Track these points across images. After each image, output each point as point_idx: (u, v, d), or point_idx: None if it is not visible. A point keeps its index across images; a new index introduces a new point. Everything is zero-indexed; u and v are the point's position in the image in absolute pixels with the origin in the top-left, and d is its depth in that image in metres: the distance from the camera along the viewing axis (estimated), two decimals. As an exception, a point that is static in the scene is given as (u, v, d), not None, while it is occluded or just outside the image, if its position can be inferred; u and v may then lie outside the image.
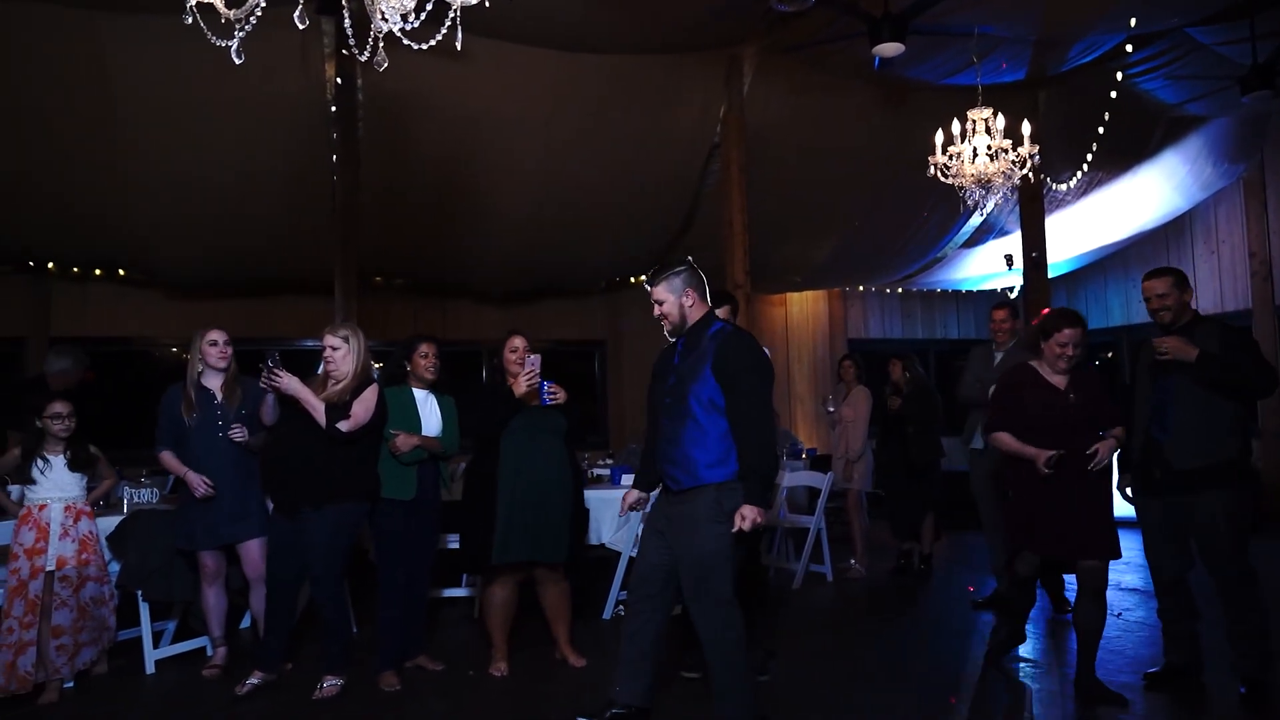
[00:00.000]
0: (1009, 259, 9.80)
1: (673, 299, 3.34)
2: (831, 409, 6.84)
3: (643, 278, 9.87)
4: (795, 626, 5.03)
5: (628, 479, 5.58)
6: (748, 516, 3.07)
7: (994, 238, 9.69)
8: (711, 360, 3.20)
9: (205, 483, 4.10)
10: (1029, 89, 7.72)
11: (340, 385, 3.97)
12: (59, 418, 4.13)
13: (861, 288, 11.20)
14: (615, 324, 10.15)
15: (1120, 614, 5.10)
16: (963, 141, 5.62)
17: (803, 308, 11.14)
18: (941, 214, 8.78)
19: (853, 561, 6.60)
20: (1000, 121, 5.57)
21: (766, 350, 4.24)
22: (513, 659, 4.31)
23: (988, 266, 10.45)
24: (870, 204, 8.66)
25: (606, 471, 5.84)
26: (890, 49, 5.70)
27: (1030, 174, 5.72)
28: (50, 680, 3.95)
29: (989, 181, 5.64)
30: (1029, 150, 5.51)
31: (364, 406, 3.91)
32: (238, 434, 4.17)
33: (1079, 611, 3.80)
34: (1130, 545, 4.04)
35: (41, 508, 4.06)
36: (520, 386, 4.04)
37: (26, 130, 6.28)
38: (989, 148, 5.60)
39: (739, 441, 3.15)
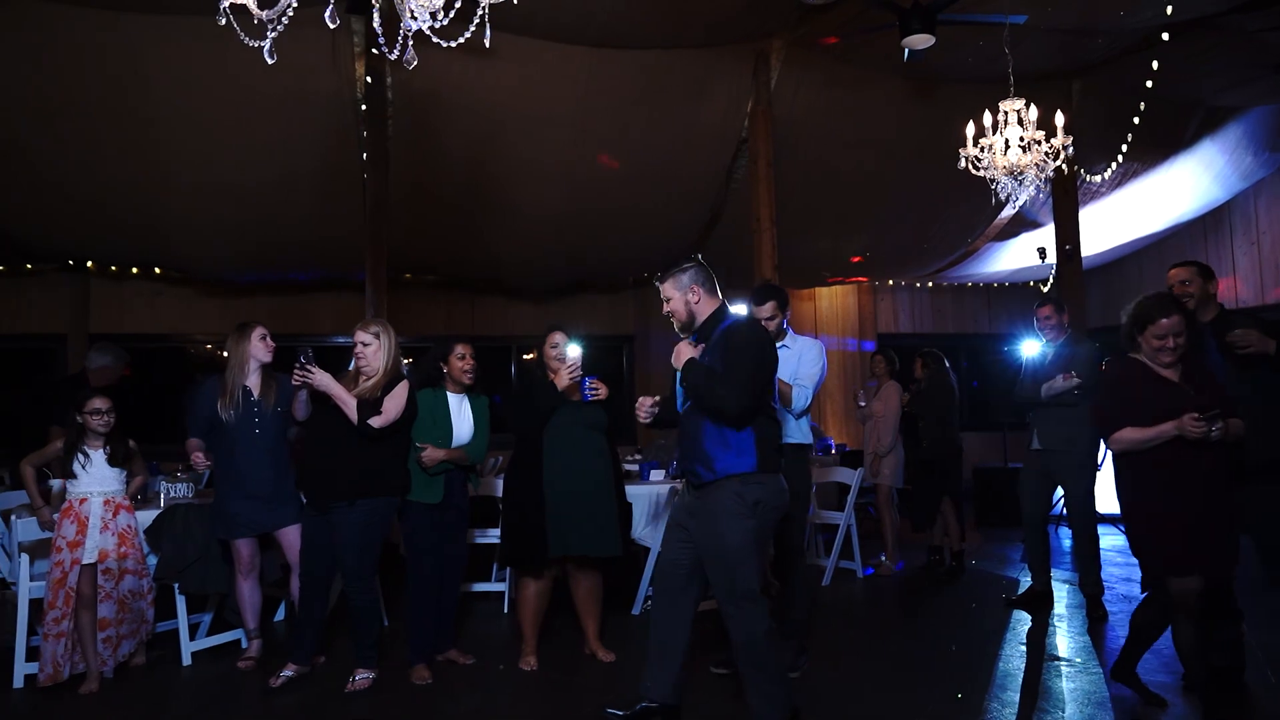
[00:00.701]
0: (1042, 252, 9.66)
1: (679, 295, 3.35)
2: (863, 404, 6.79)
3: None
4: (826, 623, 5.00)
5: (656, 474, 5.59)
6: (683, 354, 3.23)
7: (1026, 231, 9.56)
8: (722, 355, 3.20)
9: (203, 460, 4.19)
10: (1062, 79, 7.60)
11: (371, 381, 4.01)
12: (99, 413, 4.21)
13: (891, 282, 11.10)
14: (644, 318, 10.15)
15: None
16: (994, 133, 5.53)
17: (832, 302, 11.07)
18: (972, 207, 8.67)
19: (882, 557, 6.55)
20: (1033, 113, 5.48)
21: (819, 344, 4.23)
22: (542, 653, 4.33)
23: (1020, 260, 10.32)
24: (900, 198, 8.58)
25: (635, 467, 5.85)
26: (920, 41, 5.63)
27: (1064, 166, 5.62)
28: (91, 670, 4.03)
29: (1021, 174, 5.55)
30: (1062, 142, 5.42)
31: (395, 403, 3.95)
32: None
33: (1149, 611, 3.60)
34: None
35: (82, 501, 4.14)
36: (562, 381, 4.07)
37: (66, 132, 6.40)
38: (1021, 139, 5.51)
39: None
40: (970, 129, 5.55)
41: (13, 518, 4.34)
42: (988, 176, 5.56)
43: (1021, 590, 5.43)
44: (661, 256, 9.20)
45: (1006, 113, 5.52)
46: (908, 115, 7.66)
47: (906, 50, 5.77)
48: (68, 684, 4.00)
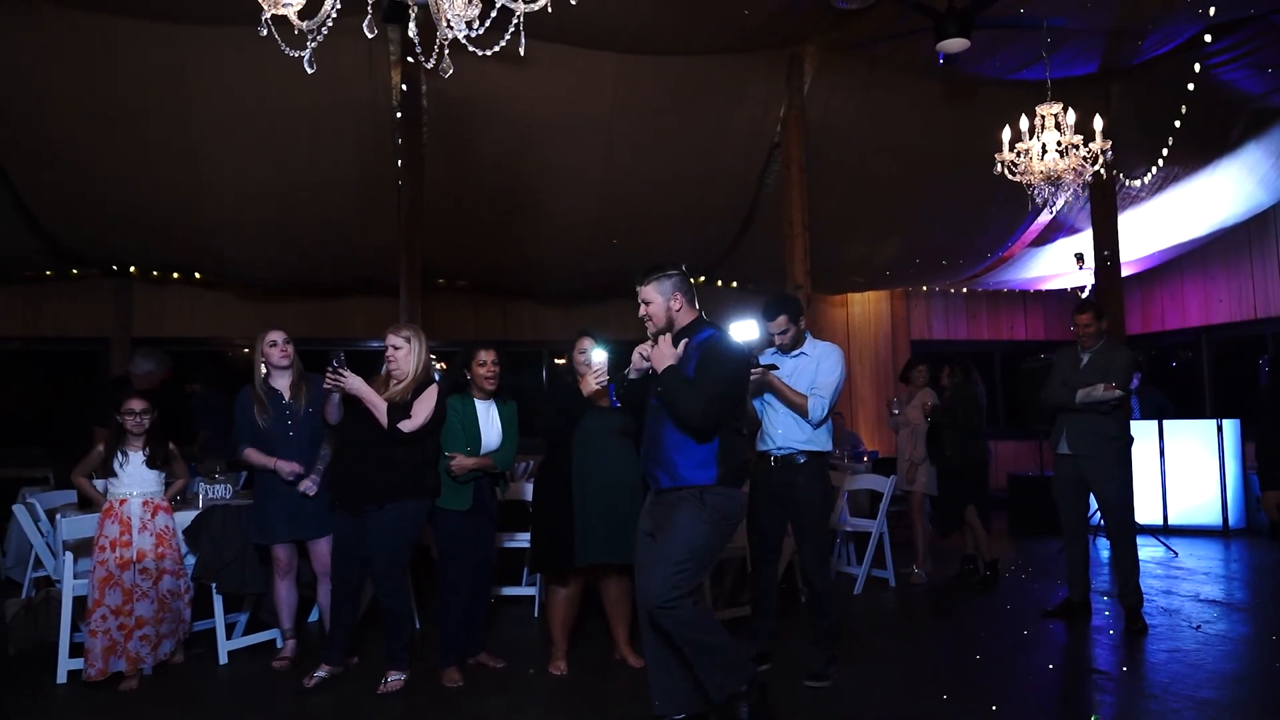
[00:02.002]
0: (1079, 258, 9.52)
1: (661, 300, 3.31)
2: (896, 411, 6.74)
3: (702, 278, 9.86)
4: (857, 632, 4.96)
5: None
6: (666, 356, 3.15)
7: (1063, 236, 9.42)
8: (694, 366, 3.18)
9: (294, 469, 4.24)
10: (1101, 82, 7.49)
11: (402, 385, 4.05)
12: (133, 414, 4.29)
13: (925, 288, 11.00)
14: (674, 325, 10.13)
15: (1199, 626, 4.92)
16: (1031, 138, 5.47)
17: (865, 308, 10.99)
18: (1008, 212, 8.57)
19: (915, 567, 6.49)
20: (1070, 116, 5.41)
21: (838, 350, 4.20)
22: (572, 658, 4.34)
23: (1057, 266, 10.17)
24: (934, 203, 8.51)
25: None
26: (956, 45, 5.59)
27: (1102, 170, 5.54)
28: (139, 669, 4.11)
29: (1059, 178, 5.49)
30: (1101, 146, 5.35)
31: (424, 406, 3.98)
32: (309, 487, 4.27)
33: None
34: (1210, 555, 3.89)
35: (122, 502, 4.23)
36: (588, 386, 4.07)
37: (111, 141, 6.55)
38: (1059, 144, 5.45)
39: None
40: (1007, 133, 5.50)
41: (58, 517, 4.44)
42: (1024, 181, 5.50)
43: (1058, 601, 5.33)
44: (693, 262, 9.20)
45: (1044, 117, 5.47)
46: (942, 120, 7.60)
47: (941, 54, 5.73)
48: (109, 680, 4.08)
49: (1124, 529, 5.01)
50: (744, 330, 8.66)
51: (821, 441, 4.11)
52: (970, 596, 5.96)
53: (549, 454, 4.26)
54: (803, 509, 4.08)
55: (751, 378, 3.98)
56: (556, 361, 9.84)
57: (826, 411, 4.06)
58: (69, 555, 4.26)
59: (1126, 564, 4.98)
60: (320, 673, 4.08)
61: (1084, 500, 5.27)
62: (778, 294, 4.34)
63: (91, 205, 7.18)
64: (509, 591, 5.66)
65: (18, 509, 4.76)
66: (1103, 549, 7.45)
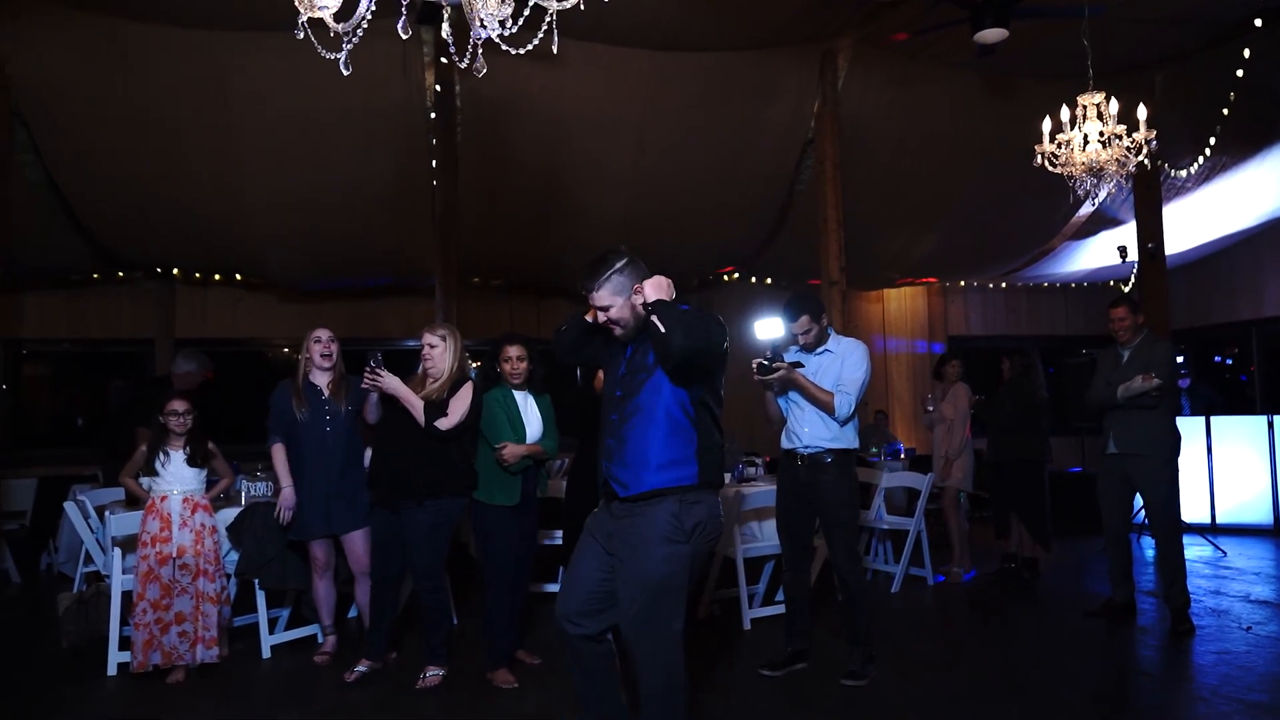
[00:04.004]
0: (1123, 250, 9.32)
1: (621, 301, 2.75)
2: (931, 408, 6.66)
3: (735, 275, 9.82)
4: (894, 631, 4.91)
5: (722, 478, 5.55)
6: (662, 286, 2.69)
7: (1106, 228, 9.24)
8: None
9: (289, 507, 4.30)
10: (1145, 71, 7.33)
11: (438, 383, 4.08)
12: (176, 415, 4.38)
13: (963, 283, 10.85)
14: (709, 322, 10.11)
15: (1250, 628, 4.80)
16: (1072, 128, 5.36)
17: (901, 304, 10.87)
18: (1048, 205, 8.43)
19: (952, 566, 6.41)
20: (1113, 106, 5.29)
21: (863, 346, 4.15)
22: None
23: (1099, 259, 9.98)
24: (971, 197, 8.39)
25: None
26: (993, 35, 5.50)
27: (1146, 161, 5.42)
28: (176, 663, 4.20)
29: (1101, 170, 5.37)
30: (1145, 136, 5.23)
31: (460, 404, 4.01)
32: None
33: None
34: (1260, 554, 3.80)
35: (163, 499, 4.32)
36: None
37: (152, 145, 6.69)
38: (1101, 134, 5.33)
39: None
40: (1047, 124, 5.40)
41: (106, 513, 4.55)
42: (1065, 173, 5.39)
43: (1101, 601, 5.23)
44: (726, 258, 9.17)
45: (1085, 107, 5.35)
46: (980, 112, 7.49)
47: (979, 45, 5.64)
48: (157, 672, 4.17)
49: (1170, 528, 4.90)
50: (772, 328, 8.61)
51: (848, 439, 4.07)
52: (1010, 596, 5.87)
53: (581, 450, 4.27)
54: (830, 507, 4.05)
55: (776, 375, 3.96)
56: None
57: (853, 408, 4.02)
58: (117, 551, 4.36)
59: (1173, 564, 4.88)
60: (360, 667, 4.14)
61: (1129, 501, 5.17)
62: (798, 293, 4.30)
63: (135, 210, 7.33)
64: (546, 588, 5.68)
65: (69, 506, 4.89)
66: (1147, 548, 7.30)
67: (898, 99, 7.33)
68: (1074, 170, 5.36)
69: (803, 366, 4.05)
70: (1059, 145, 5.37)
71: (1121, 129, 5.27)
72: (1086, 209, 8.70)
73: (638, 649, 2.66)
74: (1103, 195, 5.61)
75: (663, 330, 2.60)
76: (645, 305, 2.70)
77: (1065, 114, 5.35)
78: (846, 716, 3.65)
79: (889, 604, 5.61)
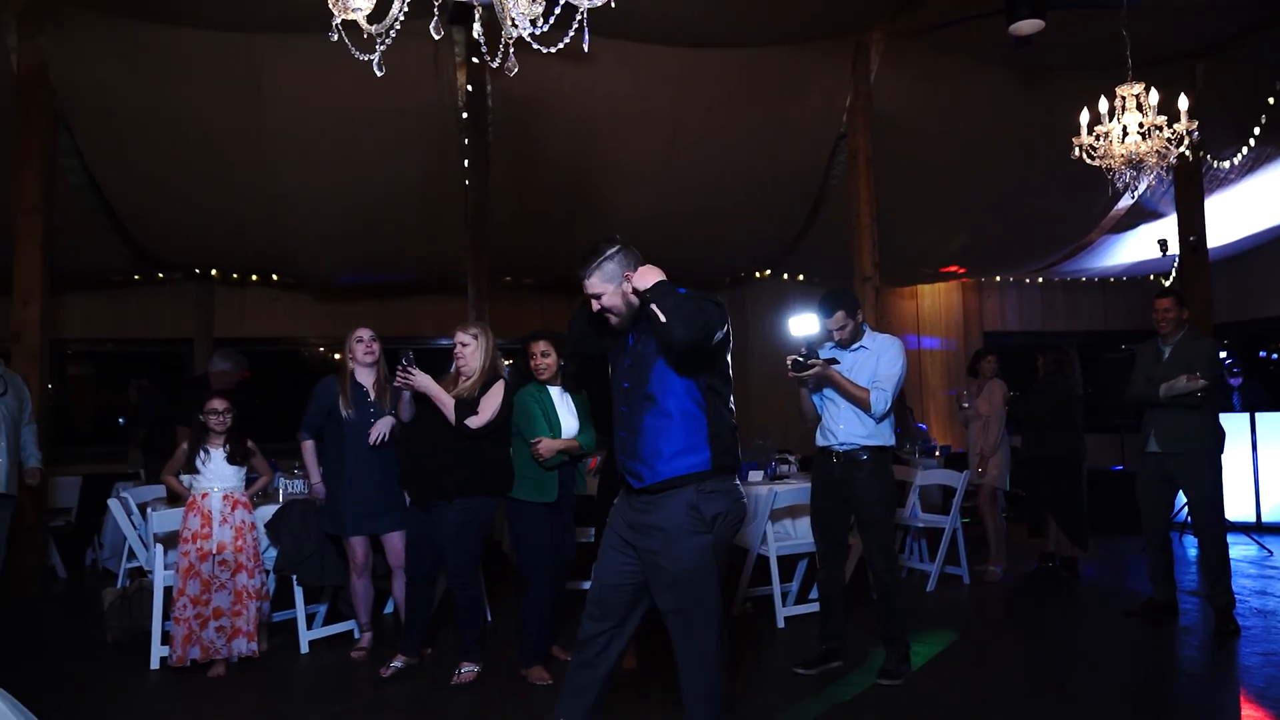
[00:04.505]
0: (1163, 244, 9.15)
1: (613, 288, 2.75)
2: (966, 404, 6.58)
3: (768, 271, 9.78)
4: (930, 630, 4.86)
5: (754, 474, 5.54)
6: (649, 275, 2.61)
7: (1146, 221, 9.06)
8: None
9: (320, 498, 4.45)
10: (1186, 61, 7.18)
11: (470, 381, 4.11)
12: (216, 414, 4.47)
13: (998, 278, 10.70)
14: (742, 318, 10.09)
15: (1297, 628, 4.69)
16: (1111, 120, 5.27)
17: (935, 300, 10.75)
18: (1086, 198, 8.29)
19: (989, 565, 6.34)
20: (1153, 97, 5.19)
21: (899, 342, 4.11)
22: (641, 652, 4.35)
23: (1139, 253, 9.79)
24: (1007, 191, 8.27)
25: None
26: (1029, 26, 5.43)
27: (1187, 152, 5.31)
28: (215, 658, 4.27)
29: (1140, 162, 5.27)
30: (1186, 126, 5.12)
31: (491, 402, 4.03)
32: (379, 431, 4.35)
33: None
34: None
35: (204, 496, 4.39)
36: None
37: (191, 148, 6.80)
38: (1141, 125, 5.23)
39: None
40: (1085, 116, 5.30)
41: (149, 510, 4.64)
42: (1103, 166, 5.29)
43: (1142, 601, 5.14)
44: (758, 256, 9.14)
45: (1124, 98, 5.25)
46: (1016, 104, 7.39)
47: (1014, 37, 5.56)
48: (198, 667, 4.25)
49: (1214, 527, 4.80)
50: (806, 324, 8.56)
51: (884, 436, 4.04)
52: (1047, 595, 5.79)
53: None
54: (865, 505, 4.02)
55: (811, 372, 3.94)
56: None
57: (889, 405, 3.99)
58: (159, 547, 4.45)
59: (1216, 563, 4.78)
60: (396, 663, 4.19)
61: (1169, 499, 5.08)
62: (833, 289, 4.27)
63: (175, 212, 7.47)
64: (582, 586, 5.70)
65: (112, 503, 4.99)
66: (1189, 547, 7.15)
67: (931, 93, 7.25)
68: (1113, 163, 5.26)
69: (838, 363, 4.03)
70: (1097, 137, 5.27)
71: (1162, 120, 5.16)
72: (1125, 202, 8.55)
73: (678, 642, 2.69)
74: (1142, 188, 5.51)
75: (663, 320, 2.55)
76: (642, 293, 2.64)
77: (1103, 105, 5.26)
78: (881, 716, 3.62)
79: (924, 602, 5.56)
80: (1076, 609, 5.43)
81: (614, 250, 2.76)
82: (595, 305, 2.80)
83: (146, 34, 6.04)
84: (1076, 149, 5.27)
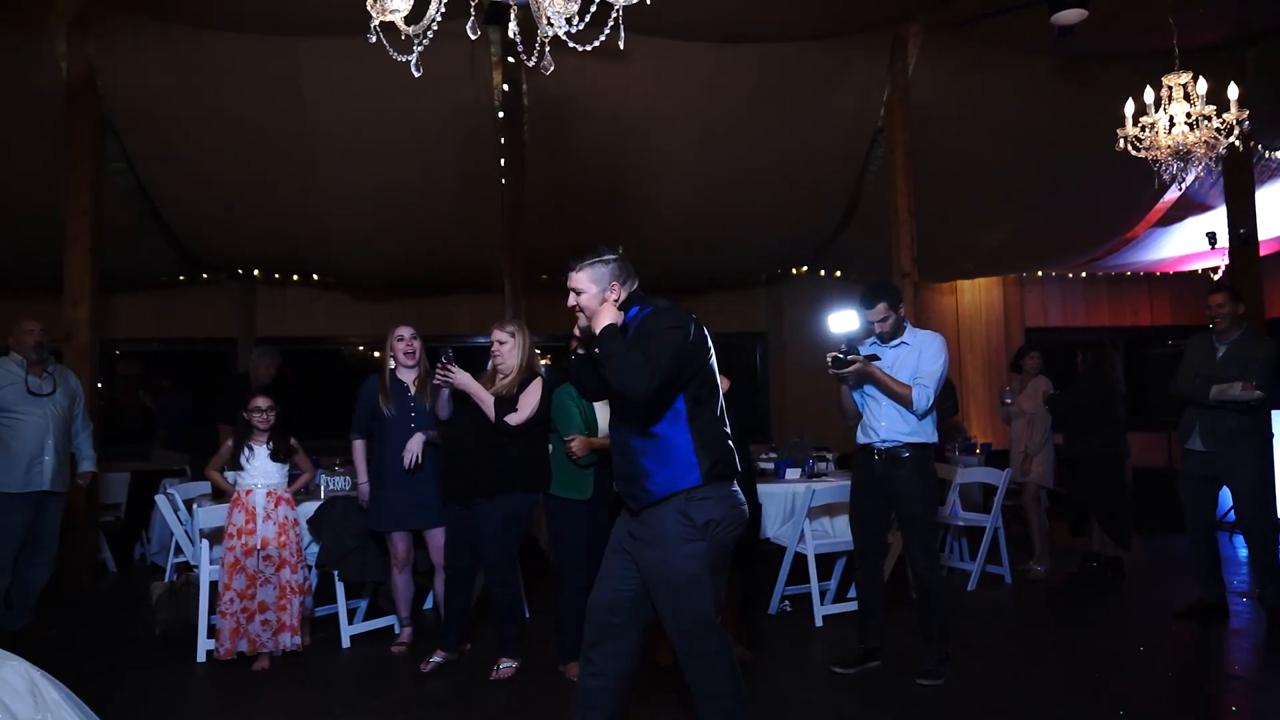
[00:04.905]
0: (1211, 237, 8.93)
1: (594, 291, 2.78)
2: (1009, 400, 6.49)
3: (804, 268, 9.72)
4: (971, 630, 4.80)
5: (791, 473, 5.51)
6: (604, 316, 2.67)
7: (1194, 214, 8.85)
8: (631, 338, 2.70)
9: (364, 499, 4.51)
10: (1235, 49, 6.99)
11: (507, 379, 4.14)
12: (260, 411, 4.55)
13: (1040, 272, 10.52)
14: (777, 315, 10.05)
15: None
16: (1157, 110, 5.15)
17: (975, 296, 10.60)
18: (1131, 191, 8.11)
19: (1032, 564, 6.24)
20: (1202, 86, 5.06)
21: (940, 338, 4.06)
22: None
23: (1186, 246, 9.57)
24: (1049, 183, 8.13)
25: (770, 465, 5.79)
26: (1072, 16, 5.33)
27: (1237, 142, 5.17)
28: (260, 651, 4.35)
29: (1188, 153, 5.14)
30: (1236, 115, 4.98)
31: (530, 399, 4.06)
32: (411, 454, 4.40)
33: None
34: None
35: (248, 492, 4.48)
36: None
37: (234, 150, 6.93)
38: (1188, 115, 5.10)
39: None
40: (1130, 107, 5.19)
41: (194, 506, 4.74)
42: (1149, 157, 5.17)
43: (1190, 602, 5.02)
44: (794, 252, 9.08)
45: (1171, 88, 5.13)
46: (1058, 96, 7.25)
47: (1056, 27, 5.46)
48: (243, 659, 4.33)
49: (1264, 527, 4.68)
50: (845, 321, 8.49)
51: (927, 433, 3.99)
52: (1092, 595, 5.69)
53: None
54: (907, 503, 3.98)
55: (852, 369, 3.90)
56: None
57: (931, 401, 3.94)
58: (205, 542, 4.54)
59: (1267, 564, 4.66)
60: (436, 658, 4.23)
61: (1213, 498, 4.95)
62: (876, 282, 4.22)
63: (218, 213, 7.61)
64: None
65: (159, 499, 5.11)
66: (1239, 547, 6.98)
67: (971, 85, 7.14)
68: (1159, 154, 5.14)
69: (879, 360, 3.99)
70: (1143, 128, 5.16)
71: (1210, 110, 5.03)
72: (1172, 194, 8.36)
73: (679, 649, 2.72)
74: (1190, 179, 5.37)
75: (602, 366, 2.64)
76: (594, 336, 2.71)
77: (1149, 96, 5.14)
78: (921, 716, 3.58)
79: (965, 602, 5.49)
80: (1121, 610, 5.32)
81: (611, 258, 2.82)
82: (572, 300, 2.83)
83: (190, 39, 6.16)
84: (1121, 140, 5.16)
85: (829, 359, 3.93)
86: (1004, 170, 7.88)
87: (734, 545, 2.78)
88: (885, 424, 4.00)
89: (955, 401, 7.22)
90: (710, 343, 2.82)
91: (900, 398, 3.92)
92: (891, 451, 3.99)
